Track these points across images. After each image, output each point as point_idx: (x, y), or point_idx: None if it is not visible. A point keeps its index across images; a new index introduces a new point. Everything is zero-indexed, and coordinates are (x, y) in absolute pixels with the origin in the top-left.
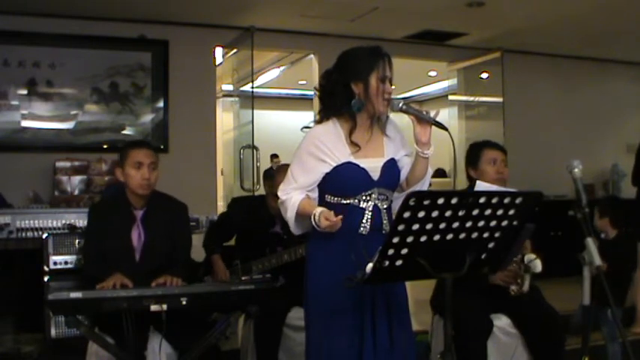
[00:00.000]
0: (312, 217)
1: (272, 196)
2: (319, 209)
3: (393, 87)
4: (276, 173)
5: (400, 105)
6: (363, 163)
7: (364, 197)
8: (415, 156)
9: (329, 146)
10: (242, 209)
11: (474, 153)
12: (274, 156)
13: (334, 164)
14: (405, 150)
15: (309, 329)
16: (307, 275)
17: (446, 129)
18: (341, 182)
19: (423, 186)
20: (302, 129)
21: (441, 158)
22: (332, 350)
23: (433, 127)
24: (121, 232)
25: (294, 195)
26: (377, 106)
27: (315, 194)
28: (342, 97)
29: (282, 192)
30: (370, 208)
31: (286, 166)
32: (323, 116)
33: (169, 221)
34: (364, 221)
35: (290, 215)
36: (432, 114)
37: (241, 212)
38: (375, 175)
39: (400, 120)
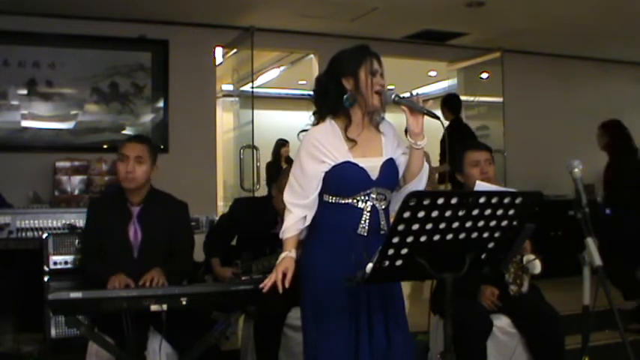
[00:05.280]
0: (280, 256)
1: (279, 198)
2: (287, 259)
3: (391, 86)
4: (281, 176)
5: (393, 97)
6: (362, 162)
7: (362, 197)
8: (409, 149)
9: (327, 146)
10: (244, 209)
11: (458, 158)
12: (282, 143)
13: (333, 163)
14: (401, 148)
15: (306, 329)
16: (303, 275)
17: (438, 118)
18: (340, 181)
19: (420, 182)
20: (298, 135)
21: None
22: (328, 351)
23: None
24: (117, 228)
25: (290, 219)
26: (369, 100)
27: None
28: (334, 95)
29: (288, 204)
30: (368, 209)
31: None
32: (319, 117)
33: (167, 218)
34: (362, 221)
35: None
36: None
37: (243, 212)
38: (374, 174)
39: (394, 119)
